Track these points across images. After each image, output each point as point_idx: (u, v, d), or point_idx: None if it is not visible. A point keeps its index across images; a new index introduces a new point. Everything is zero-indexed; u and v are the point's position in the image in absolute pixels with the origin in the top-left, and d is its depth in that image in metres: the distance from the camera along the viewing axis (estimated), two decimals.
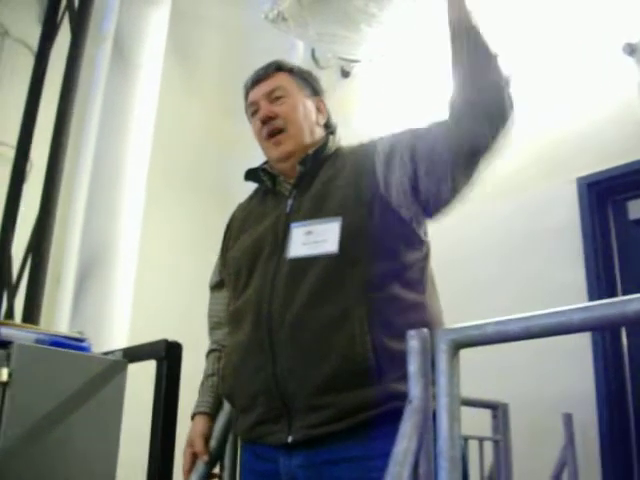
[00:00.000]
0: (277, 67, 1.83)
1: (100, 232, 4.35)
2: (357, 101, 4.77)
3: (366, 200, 1.58)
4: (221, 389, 1.69)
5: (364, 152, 1.69)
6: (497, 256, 3.76)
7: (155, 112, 4.86)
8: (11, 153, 4.44)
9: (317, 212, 1.61)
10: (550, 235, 3.65)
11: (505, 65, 1.54)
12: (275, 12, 4.10)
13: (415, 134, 1.65)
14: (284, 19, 4.09)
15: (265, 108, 1.76)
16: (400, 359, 1.32)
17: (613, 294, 3.38)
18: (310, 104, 1.81)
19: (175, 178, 5.55)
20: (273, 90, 1.78)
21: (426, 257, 1.67)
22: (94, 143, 4.57)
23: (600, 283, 3.47)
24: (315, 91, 1.85)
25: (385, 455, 1.28)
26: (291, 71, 1.84)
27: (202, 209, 5.43)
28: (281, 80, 1.80)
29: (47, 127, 4.15)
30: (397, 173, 1.59)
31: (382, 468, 1.28)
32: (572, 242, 3.60)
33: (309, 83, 1.84)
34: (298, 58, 4.77)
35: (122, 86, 4.70)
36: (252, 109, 1.82)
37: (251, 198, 1.89)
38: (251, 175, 1.83)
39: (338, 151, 1.78)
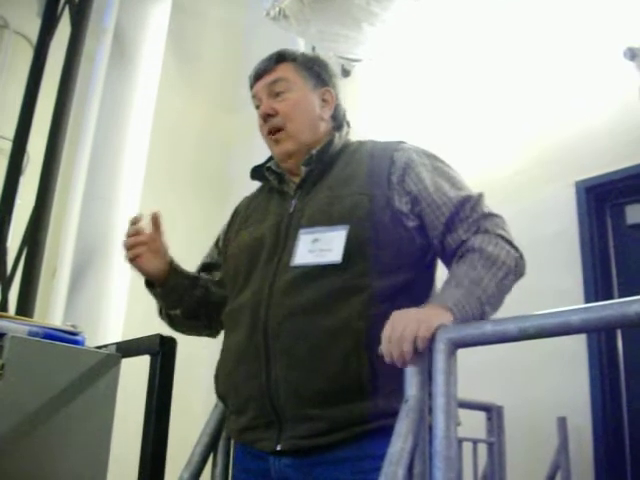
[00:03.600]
0: (280, 58, 1.76)
1: (96, 226, 4.34)
2: (357, 100, 4.76)
3: (376, 211, 1.53)
4: (215, 388, 1.67)
5: (379, 161, 1.63)
6: None
7: (154, 107, 4.85)
8: (8, 146, 4.44)
9: (324, 218, 1.56)
10: (548, 239, 3.65)
11: (514, 262, 1.50)
12: (276, 9, 4.09)
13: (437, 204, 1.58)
14: (285, 16, 4.07)
15: (265, 104, 1.72)
16: (397, 375, 1.31)
17: (610, 298, 3.37)
18: (314, 97, 1.74)
19: (175, 174, 5.55)
20: (274, 82, 1.73)
21: (433, 270, 1.64)
22: (92, 137, 4.55)
23: (597, 287, 3.47)
24: (322, 81, 1.77)
25: (376, 456, 1.27)
26: (295, 60, 1.77)
27: (202, 205, 5.42)
28: (283, 72, 1.74)
29: (45, 120, 4.14)
30: (406, 205, 1.57)
31: (373, 468, 1.27)
32: (570, 246, 3.60)
33: (315, 72, 1.77)
34: None
35: (121, 80, 4.69)
36: (255, 102, 1.78)
37: (258, 193, 1.85)
38: (257, 173, 1.80)
39: (346, 148, 1.73)
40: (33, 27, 4.78)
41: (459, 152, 3.51)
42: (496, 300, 1.45)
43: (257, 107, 1.77)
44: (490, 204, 1.61)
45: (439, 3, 4.02)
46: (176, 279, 1.75)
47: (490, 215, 1.56)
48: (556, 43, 3.91)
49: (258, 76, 1.77)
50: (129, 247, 1.69)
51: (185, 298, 1.77)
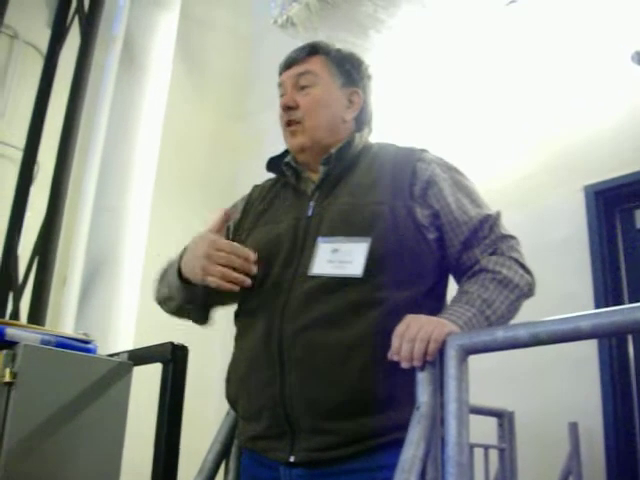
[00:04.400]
0: (313, 50, 1.72)
1: (107, 234, 4.35)
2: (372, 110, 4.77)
3: (398, 222, 1.52)
4: (226, 392, 1.65)
5: (400, 170, 1.61)
6: None
7: (163, 115, 4.87)
8: (19, 155, 4.46)
9: (345, 228, 1.53)
10: (557, 244, 3.64)
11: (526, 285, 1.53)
12: (284, 17, 4.11)
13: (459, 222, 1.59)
14: (293, 24, 4.10)
15: (288, 95, 1.69)
16: (411, 388, 1.31)
17: (620, 303, 3.36)
18: (340, 96, 1.70)
19: (185, 182, 5.56)
20: (302, 75, 1.69)
21: (446, 281, 1.64)
22: (102, 146, 4.57)
23: (607, 292, 3.45)
24: (351, 80, 1.72)
25: (388, 467, 1.27)
26: (328, 54, 1.72)
27: (211, 211, 5.41)
28: (313, 65, 1.70)
29: (55, 130, 4.17)
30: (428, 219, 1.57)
31: (385, 479, 1.28)
32: (579, 251, 3.59)
33: (345, 71, 1.72)
34: None
35: (131, 89, 4.71)
36: (281, 91, 1.74)
37: (271, 185, 1.80)
38: (273, 165, 1.76)
39: (366, 150, 1.70)
40: (43, 37, 4.81)
41: (467, 158, 3.50)
42: (505, 321, 1.48)
43: (281, 96, 1.73)
44: (499, 209, 1.63)
45: (446, 10, 4.03)
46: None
47: (506, 237, 1.58)
48: (564, 48, 3.91)
49: (288, 65, 1.73)
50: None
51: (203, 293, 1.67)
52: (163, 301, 1.77)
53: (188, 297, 1.67)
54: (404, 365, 1.33)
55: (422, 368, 1.30)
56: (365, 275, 1.46)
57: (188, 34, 5.64)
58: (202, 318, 1.81)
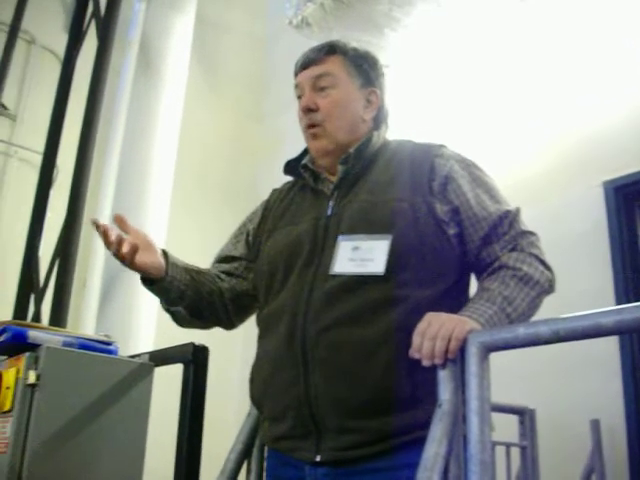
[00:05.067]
0: (330, 50, 1.69)
1: None
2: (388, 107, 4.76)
3: (418, 218, 1.52)
4: (250, 393, 1.66)
5: (419, 166, 1.61)
6: None
7: (181, 118, 4.89)
8: (38, 159, 4.50)
9: (366, 225, 1.53)
10: (577, 239, 3.62)
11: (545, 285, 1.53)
12: (299, 18, 4.11)
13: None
14: (308, 24, 4.10)
15: (308, 97, 1.67)
16: (434, 386, 1.31)
17: None
18: (359, 97, 1.69)
19: (203, 184, 5.58)
20: (320, 77, 1.67)
21: (468, 277, 1.63)
22: (120, 149, 4.61)
23: (628, 287, 3.43)
24: (369, 80, 1.71)
25: (411, 465, 1.27)
26: (346, 54, 1.70)
27: (231, 214, 5.40)
28: (332, 66, 1.68)
29: (74, 133, 4.20)
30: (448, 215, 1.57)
31: (407, 478, 1.28)
32: (599, 247, 3.56)
33: (364, 71, 1.70)
34: None
35: (147, 92, 4.73)
36: (298, 92, 1.71)
37: (289, 188, 1.80)
38: (291, 169, 1.76)
39: (384, 148, 1.69)
40: (60, 42, 4.86)
41: (485, 154, 3.48)
42: (525, 318, 1.47)
43: (299, 97, 1.71)
44: (518, 205, 1.62)
45: (461, 8, 4.01)
46: (174, 272, 1.66)
47: (526, 233, 1.57)
48: (579, 42, 3.88)
49: (305, 65, 1.71)
50: (116, 243, 1.55)
51: (188, 293, 1.69)
52: (166, 312, 1.80)
53: (162, 297, 1.71)
54: (425, 363, 1.32)
55: (443, 366, 1.30)
56: (387, 273, 1.46)
57: (204, 37, 5.66)
58: (216, 324, 1.82)
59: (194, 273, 1.72)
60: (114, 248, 1.55)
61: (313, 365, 1.46)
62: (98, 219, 1.63)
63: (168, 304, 1.74)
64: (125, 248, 1.55)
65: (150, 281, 1.66)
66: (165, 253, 1.69)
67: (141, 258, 1.59)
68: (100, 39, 4.38)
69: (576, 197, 3.72)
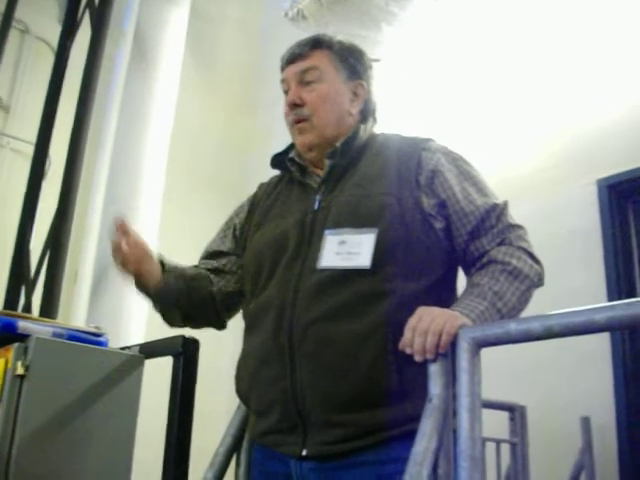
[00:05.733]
0: (315, 44, 1.69)
1: None
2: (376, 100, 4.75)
3: (405, 212, 1.51)
4: (236, 388, 1.65)
5: (406, 160, 1.60)
6: None
7: (174, 109, 4.88)
8: (30, 149, 4.48)
9: (352, 219, 1.52)
10: (569, 237, 3.62)
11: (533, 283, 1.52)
12: (295, 10, 4.10)
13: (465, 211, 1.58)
14: (304, 17, 4.08)
15: (294, 92, 1.67)
16: (423, 380, 1.31)
17: (632, 296, 3.32)
18: (345, 90, 1.68)
19: (195, 176, 5.56)
20: (306, 71, 1.67)
21: (455, 271, 1.63)
22: (113, 140, 4.59)
23: (620, 285, 3.43)
24: (355, 73, 1.71)
25: (399, 460, 1.27)
26: (331, 48, 1.70)
27: (222, 207, 5.39)
28: (317, 60, 1.68)
29: (67, 124, 4.18)
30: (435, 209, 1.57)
31: (395, 472, 1.28)
32: (591, 244, 3.57)
33: (349, 64, 1.70)
34: None
35: (141, 84, 4.72)
36: (284, 87, 1.71)
37: (276, 182, 1.79)
38: (278, 162, 1.76)
39: (371, 141, 1.69)
40: (54, 32, 4.83)
41: (479, 150, 3.49)
42: (516, 313, 1.47)
43: (285, 92, 1.71)
44: (511, 202, 1.62)
45: (457, 2, 4.01)
46: (170, 281, 1.70)
47: (514, 226, 1.57)
48: (577, 41, 3.88)
49: (290, 60, 1.70)
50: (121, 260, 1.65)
51: (181, 302, 1.72)
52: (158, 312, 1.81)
53: (156, 302, 1.75)
54: (417, 358, 1.32)
55: (434, 361, 1.29)
56: (373, 266, 1.45)
57: (198, 28, 5.64)
58: (209, 325, 1.83)
59: (188, 280, 1.74)
60: (119, 263, 1.66)
61: (300, 359, 1.45)
62: (124, 219, 1.68)
63: (161, 309, 1.77)
64: (132, 268, 1.66)
65: (144, 288, 1.70)
66: (161, 262, 1.72)
67: (140, 268, 1.66)
68: (94, 29, 4.36)
69: (569, 195, 3.72)
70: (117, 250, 1.65)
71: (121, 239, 1.64)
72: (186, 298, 1.72)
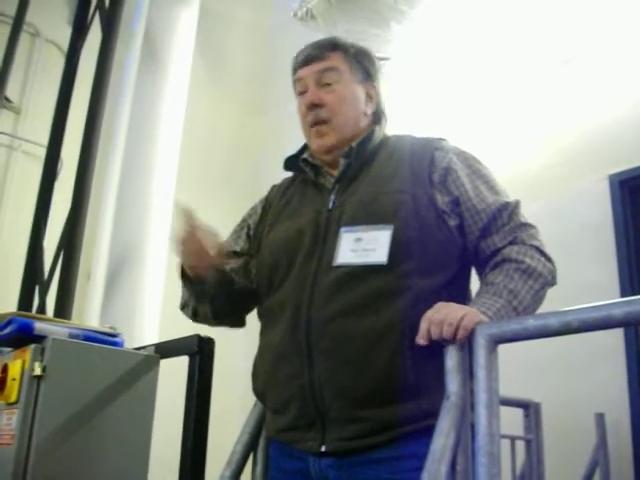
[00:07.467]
0: (332, 46, 1.71)
1: (130, 228, 4.38)
2: (386, 98, 4.75)
3: (420, 209, 1.52)
4: (252, 385, 1.66)
5: (419, 158, 1.62)
6: None
7: (185, 110, 4.88)
8: (42, 152, 4.50)
9: (367, 217, 1.53)
10: (582, 233, 3.61)
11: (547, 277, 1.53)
12: (304, 10, 4.10)
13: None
14: (313, 17, 4.08)
15: (313, 93, 1.67)
16: (440, 376, 1.31)
17: None
18: (360, 91, 1.70)
19: (207, 176, 5.57)
20: (325, 72, 1.67)
21: (469, 268, 1.64)
22: (124, 141, 4.60)
23: (633, 281, 3.42)
24: (369, 75, 1.73)
25: (415, 456, 1.28)
26: (347, 51, 1.71)
27: (234, 208, 5.40)
28: (335, 62, 1.69)
29: (78, 126, 4.19)
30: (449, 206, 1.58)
31: (412, 468, 1.28)
32: (604, 239, 3.56)
33: (363, 66, 1.73)
34: None
35: (152, 85, 4.73)
36: (299, 87, 1.71)
37: (289, 183, 1.80)
38: (291, 164, 1.76)
39: (384, 143, 1.70)
40: (64, 34, 4.85)
41: (490, 147, 3.48)
42: (531, 311, 1.47)
43: (300, 93, 1.71)
44: (522, 198, 1.62)
45: (466, 0, 4.00)
46: (216, 275, 1.66)
47: (526, 225, 1.58)
48: (586, 36, 3.87)
49: (307, 61, 1.70)
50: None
51: (219, 294, 1.70)
52: (182, 307, 1.80)
53: (193, 295, 1.71)
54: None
55: (451, 356, 1.29)
56: (389, 263, 1.46)
57: (208, 29, 5.64)
58: (231, 324, 1.83)
59: (230, 278, 1.72)
60: (180, 255, 1.59)
61: (317, 355, 1.46)
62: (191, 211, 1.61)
63: (197, 302, 1.74)
64: (192, 260, 1.59)
65: (191, 279, 1.66)
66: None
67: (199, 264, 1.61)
68: (104, 31, 4.37)
69: (582, 190, 3.71)
70: (180, 242, 1.58)
71: (185, 233, 1.57)
72: (224, 296, 1.71)
